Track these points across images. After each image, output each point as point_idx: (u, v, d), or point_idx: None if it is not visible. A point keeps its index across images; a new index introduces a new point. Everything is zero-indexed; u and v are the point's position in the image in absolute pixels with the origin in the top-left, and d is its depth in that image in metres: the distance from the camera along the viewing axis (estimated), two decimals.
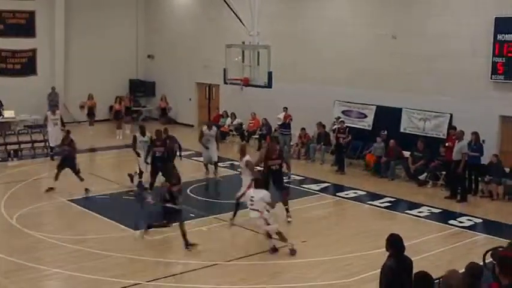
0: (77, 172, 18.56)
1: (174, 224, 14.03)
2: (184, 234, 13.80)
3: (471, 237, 15.21)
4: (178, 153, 19.76)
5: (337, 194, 19.31)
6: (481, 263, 9.84)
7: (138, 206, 17.61)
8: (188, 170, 20.22)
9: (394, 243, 8.18)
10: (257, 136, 26.33)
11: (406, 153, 21.18)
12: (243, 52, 19.40)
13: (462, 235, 15.33)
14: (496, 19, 19.34)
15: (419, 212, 17.25)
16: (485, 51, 19.75)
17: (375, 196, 18.87)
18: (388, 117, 22.54)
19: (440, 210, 17.49)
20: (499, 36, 19.34)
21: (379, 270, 8.21)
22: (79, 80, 31.20)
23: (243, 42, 19.99)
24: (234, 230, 15.13)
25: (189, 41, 31.30)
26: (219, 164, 21.26)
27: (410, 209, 17.56)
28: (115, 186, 19.54)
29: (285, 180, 16.99)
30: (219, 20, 28.01)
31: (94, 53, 31.59)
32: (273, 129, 25.65)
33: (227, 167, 22.00)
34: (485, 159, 19.11)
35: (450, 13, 20.89)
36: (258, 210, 13.37)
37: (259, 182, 14.02)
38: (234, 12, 20.19)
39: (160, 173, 18.36)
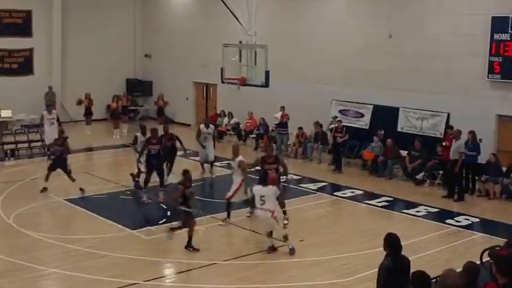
0: (68, 173, 18.53)
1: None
2: (191, 236, 13.77)
3: (468, 236, 15.23)
4: (181, 147, 19.95)
5: (335, 193, 19.32)
6: (478, 262, 9.84)
7: (136, 206, 17.56)
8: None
9: (392, 243, 8.19)
10: (254, 135, 26.33)
11: (404, 153, 21.20)
12: (240, 51, 19.42)
13: (459, 234, 15.35)
14: (493, 18, 19.36)
15: (417, 212, 17.26)
16: (482, 50, 19.76)
17: (372, 195, 18.88)
18: (385, 116, 22.55)
19: (438, 210, 17.51)
20: (496, 36, 19.35)
21: (377, 269, 8.22)
22: (76, 80, 31.17)
23: (240, 42, 20.01)
24: (231, 230, 15.13)
25: (186, 40, 31.29)
26: (216, 163, 21.26)
27: (407, 209, 17.57)
28: (112, 186, 19.54)
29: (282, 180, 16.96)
30: (216, 19, 28.00)
31: (91, 52, 31.58)
32: (270, 128, 25.66)
33: (224, 167, 21.99)
34: (482, 159, 19.14)
35: (446, 12, 20.91)
36: (269, 210, 13.36)
37: (272, 179, 14.03)
38: (231, 11, 20.19)
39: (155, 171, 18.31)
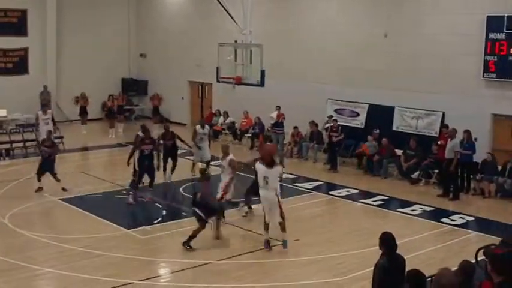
0: (54, 173, 18.54)
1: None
2: (193, 236, 13.75)
3: (463, 235, 15.24)
4: (184, 145, 20.07)
5: (330, 192, 19.33)
6: (474, 261, 9.85)
7: (133, 205, 17.51)
8: (181, 168, 20.15)
9: (387, 242, 8.19)
10: (250, 135, 26.33)
11: (399, 152, 21.23)
12: (235, 51, 19.43)
13: (454, 233, 15.37)
14: (488, 18, 19.39)
15: (412, 210, 17.28)
16: (477, 49, 19.79)
17: (367, 194, 18.90)
18: (380, 115, 22.58)
19: (433, 209, 17.53)
20: (491, 35, 19.39)
21: (372, 268, 8.22)
22: (71, 79, 31.14)
23: (236, 41, 20.03)
24: (226, 229, 15.09)
25: (181, 39, 31.28)
26: (212, 162, 21.23)
27: (402, 207, 17.59)
28: (107, 185, 19.51)
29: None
30: (211, 18, 28.01)
31: (86, 51, 31.56)
32: (265, 128, 25.66)
33: (220, 165, 21.96)
34: (477, 158, 19.18)
35: (442, 12, 20.94)
36: (272, 188, 13.57)
37: (271, 160, 13.94)
38: (226, 10, 20.20)
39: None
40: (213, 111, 29.38)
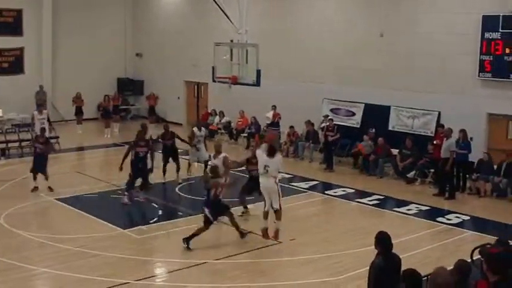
0: (45, 172, 18.57)
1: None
2: (196, 234, 13.79)
3: (459, 234, 15.26)
4: (188, 143, 20.13)
5: (326, 192, 19.34)
6: (469, 260, 9.87)
7: (130, 205, 17.48)
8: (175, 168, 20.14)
9: (382, 241, 8.19)
10: (246, 134, 26.33)
11: (395, 151, 21.25)
12: (231, 50, 19.40)
13: (450, 232, 15.39)
14: (484, 17, 19.42)
15: (408, 210, 17.30)
16: (472, 49, 19.82)
17: (363, 194, 18.91)
18: (376, 115, 22.60)
19: (429, 208, 17.55)
20: (487, 34, 19.42)
21: (368, 267, 8.23)
22: (67, 79, 31.09)
23: (232, 41, 19.99)
24: (222, 229, 15.09)
25: (177, 39, 31.26)
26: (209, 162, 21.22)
27: (398, 207, 17.61)
28: (103, 185, 19.49)
29: None
30: (207, 18, 27.98)
31: (82, 51, 31.53)
32: (261, 127, 25.66)
33: None
34: (473, 157, 19.21)
35: (438, 11, 20.97)
36: (272, 176, 13.86)
37: (271, 150, 14.14)
38: (222, 10, 20.17)
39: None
40: (209, 111, 29.38)
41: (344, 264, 12.92)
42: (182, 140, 20.12)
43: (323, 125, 23.15)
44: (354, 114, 23.60)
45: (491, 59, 19.40)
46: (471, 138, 19.23)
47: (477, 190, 18.94)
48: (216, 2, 20.32)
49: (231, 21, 19.89)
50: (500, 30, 19.09)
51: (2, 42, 29.85)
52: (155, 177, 19.11)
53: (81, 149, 26.18)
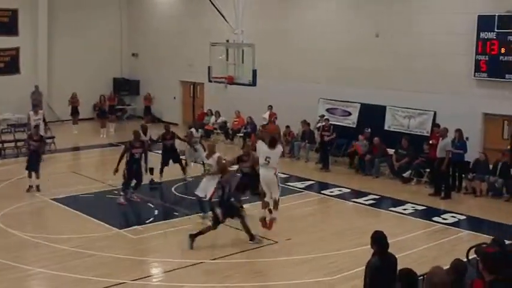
0: (37, 171, 18.58)
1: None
2: (202, 233, 13.84)
3: (455, 233, 15.28)
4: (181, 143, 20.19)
5: (322, 191, 19.35)
6: (465, 260, 9.88)
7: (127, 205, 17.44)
8: (173, 168, 20.11)
9: (378, 241, 8.20)
10: (242, 134, 26.32)
11: (391, 151, 21.26)
12: (227, 50, 19.42)
13: (446, 232, 15.41)
14: (479, 17, 19.45)
15: (404, 209, 17.31)
16: (468, 49, 19.85)
17: (359, 194, 18.92)
18: (372, 114, 22.61)
19: (425, 207, 17.57)
20: (482, 34, 19.45)
21: (364, 267, 8.23)
22: (63, 79, 31.03)
23: (227, 41, 20.00)
24: (218, 229, 15.05)
25: (173, 39, 31.23)
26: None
27: (394, 206, 17.62)
28: (99, 185, 19.46)
29: None
30: (202, 18, 27.97)
31: (78, 51, 31.46)
32: (257, 127, 25.65)
33: None
34: (468, 157, 19.24)
35: (433, 11, 20.98)
36: (272, 167, 14.13)
37: (273, 142, 14.36)
38: (218, 10, 20.19)
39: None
40: (205, 111, 29.36)
41: (340, 264, 12.93)
42: (182, 140, 20.10)
43: (319, 124, 23.17)
44: (349, 114, 23.61)
45: (487, 59, 19.43)
46: (467, 138, 19.27)
47: (473, 190, 18.97)
48: (212, 2, 20.33)
49: (227, 21, 19.90)
50: (496, 30, 19.12)
51: None
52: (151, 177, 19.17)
53: (77, 149, 26.15)
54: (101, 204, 17.63)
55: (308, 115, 24.00)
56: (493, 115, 19.99)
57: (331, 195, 18.87)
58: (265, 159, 14.21)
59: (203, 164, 20.29)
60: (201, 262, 13.07)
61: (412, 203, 17.83)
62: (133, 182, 17.62)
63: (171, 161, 19.79)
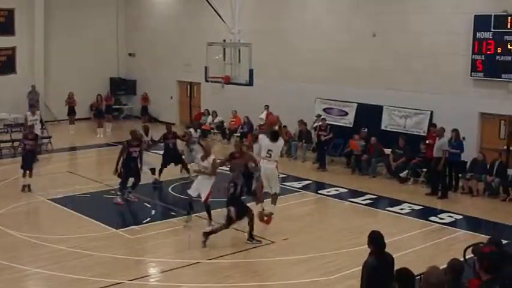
0: (31, 169, 18.58)
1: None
2: (215, 232, 13.94)
3: (452, 233, 15.29)
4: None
5: (319, 191, 19.36)
6: (462, 259, 9.90)
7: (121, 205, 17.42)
8: (171, 168, 20.10)
9: (375, 240, 8.21)
10: (238, 134, 26.32)
11: (387, 151, 21.28)
12: (224, 50, 19.40)
13: (443, 231, 15.43)
14: (475, 17, 19.48)
15: (401, 209, 17.33)
16: (464, 48, 19.88)
17: (356, 193, 18.94)
18: (369, 114, 22.64)
19: (421, 207, 17.59)
20: (478, 34, 19.49)
21: (361, 267, 8.24)
22: (59, 79, 31.00)
23: (224, 40, 19.99)
24: (214, 223, 15.06)
25: (170, 39, 31.22)
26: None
27: (391, 206, 17.64)
28: (96, 185, 19.45)
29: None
30: (199, 18, 27.97)
31: (74, 51, 31.44)
32: (254, 127, 25.68)
33: None
34: (465, 156, 19.27)
35: (430, 11, 21.02)
36: (274, 160, 14.27)
37: (275, 135, 14.47)
38: (214, 10, 20.18)
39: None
40: (202, 111, 29.36)
41: (337, 264, 12.94)
42: (181, 139, 20.11)
43: (316, 124, 23.18)
44: (346, 113, 23.63)
45: (483, 58, 19.47)
46: (463, 138, 19.30)
47: (469, 189, 19.00)
48: (208, 2, 20.33)
49: (223, 21, 19.89)
50: (492, 30, 19.16)
51: None
52: (150, 177, 19.15)
53: (73, 149, 26.13)
54: (98, 204, 17.61)
55: (305, 115, 24.02)
56: (489, 115, 20.02)
57: (328, 195, 18.88)
58: (267, 152, 14.24)
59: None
60: (198, 262, 13.07)
61: (409, 203, 17.85)
62: (131, 181, 17.61)
63: (172, 164, 19.77)
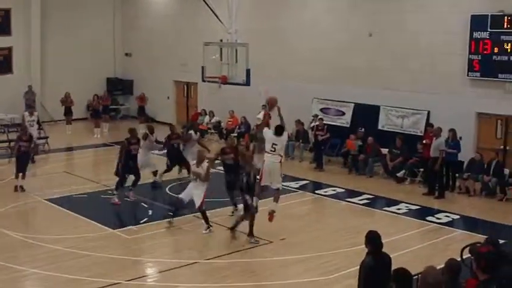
0: (24, 172, 18.57)
1: None
2: (237, 224, 14.35)
3: (449, 233, 15.32)
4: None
5: (316, 191, 19.37)
6: (459, 259, 9.91)
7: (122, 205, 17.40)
8: (162, 169, 20.07)
9: (372, 240, 8.22)
10: (235, 134, 26.29)
11: (384, 151, 21.29)
12: (221, 50, 19.41)
13: (440, 231, 15.45)
14: (472, 16, 19.50)
15: (398, 209, 17.35)
16: (461, 48, 19.90)
17: (353, 193, 18.95)
18: (366, 114, 22.64)
19: (418, 207, 17.61)
20: (475, 34, 19.50)
21: (358, 267, 8.24)
22: (56, 79, 30.93)
23: (221, 40, 19.98)
24: (213, 228, 15.06)
25: (166, 39, 31.19)
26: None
27: (388, 206, 17.65)
28: (93, 185, 19.43)
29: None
30: (196, 17, 27.95)
31: (71, 51, 31.38)
32: (251, 127, 25.66)
33: None
34: (462, 156, 19.29)
35: (426, 10, 21.02)
36: (279, 155, 14.22)
37: (279, 129, 14.45)
38: (211, 9, 20.18)
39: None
40: (199, 111, 29.35)
41: (334, 264, 12.95)
42: (181, 139, 20.12)
43: (313, 124, 23.19)
44: (343, 113, 23.63)
45: (480, 58, 19.48)
46: (460, 138, 19.31)
47: (466, 189, 19.02)
48: (205, 2, 20.32)
49: (220, 21, 19.90)
50: (489, 30, 19.17)
51: None
52: (148, 177, 19.14)
53: (70, 149, 26.09)
54: (95, 204, 17.60)
55: (302, 115, 23.99)
56: (486, 114, 20.04)
57: (325, 195, 18.89)
58: (272, 146, 14.22)
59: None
60: (196, 262, 13.07)
61: (406, 203, 17.86)
62: (132, 179, 17.63)
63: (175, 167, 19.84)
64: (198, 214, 15.56)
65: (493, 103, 19.49)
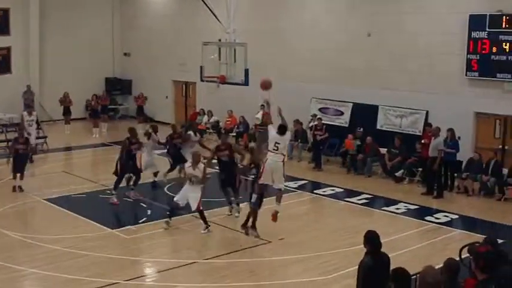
0: (22, 172, 18.57)
1: None
2: (254, 219, 14.45)
3: (447, 233, 15.32)
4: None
5: (315, 191, 19.37)
6: (458, 259, 9.92)
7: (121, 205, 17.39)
8: (165, 168, 20.08)
9: (371, 240, 8.22)
10: (234, 134, 26.31)
11: (383, 150, 21.29)
12: (219, 50, 19.39)
13: (439, 231, 15.45)
14: (471, 16, 19.51)
15: (396, 209, 17.35)
16: (460, 48, 19.90)
17: (352, 193, 18.95)
18: (364, 114, 22.65)
19: (417, 207, 17.61)
20: (474, 34, 19.51)
21: (357, 267, 8.25)
22: (55, 79, 30.93)
23: (220, 40, 19.96)
24: (211, 228, 15.05)
25: (165, 38, 31.19)
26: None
27: (387, 206, 17.65)
28: (91, 185, 19.43)
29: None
30: (195, 17, 27.94)
31: (69, 51, 31.38)
32: (250, 126, 25.67)
33: None
34: (460, 156, 19.29)
35: (425, 10, 21.04)
36: (282, 154, 14.19)
37: (282, 128, 14.48)
38: (210, 9, 20.16)
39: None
40: (197, 111, 29.34)
41: (333, 264, 12.95)
42: (181, 140, 20.13)
43: (311, 124, 23.19)
44: (342, 113, 23.63)
45: (478, 58, 19.49)
46: (459, 137, 19.31)
47: (465, 189, 19.03)
48: (204, 1, 20.30)
49: (219, 21, 19.87)
50: (487, 30, 19.18)
51: None
52: (148, 176, 19.13)
53: (69, 149, 26.07)
54: (93, 204, 17.59)
55: (300, 114, 23.98)
56: (484, 114, 20.05)
57: (324, 195, 18.89)
58: (275, 145, 14.19)
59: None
60: (194, 262, 13.07)
61: (404, 202, 17.87)
62: (133, 179, 17.65)
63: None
64: (196, 214, 15.56)
65: (492, 103, 19.50)
